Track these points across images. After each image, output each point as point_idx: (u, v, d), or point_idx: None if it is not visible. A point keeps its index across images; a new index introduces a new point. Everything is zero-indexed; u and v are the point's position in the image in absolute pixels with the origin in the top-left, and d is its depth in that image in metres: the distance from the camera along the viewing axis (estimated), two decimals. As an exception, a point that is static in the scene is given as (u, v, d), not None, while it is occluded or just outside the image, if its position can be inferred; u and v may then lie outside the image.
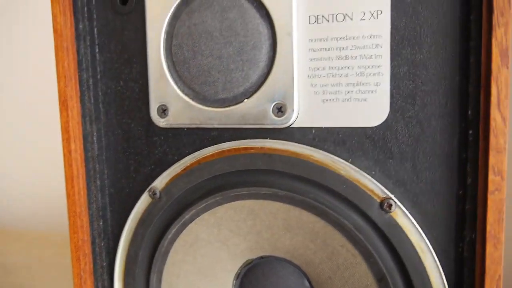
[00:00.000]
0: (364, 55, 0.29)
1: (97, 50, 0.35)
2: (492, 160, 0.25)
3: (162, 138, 0.34)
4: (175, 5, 0.32)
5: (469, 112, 0.27)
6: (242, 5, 0.31)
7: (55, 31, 0.33)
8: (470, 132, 0.27)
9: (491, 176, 0.25)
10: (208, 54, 0.32)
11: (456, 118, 0.28)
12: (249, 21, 0.30)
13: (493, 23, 0.25)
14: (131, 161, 0.35)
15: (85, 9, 0.34)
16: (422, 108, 0.28)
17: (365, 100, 0.29)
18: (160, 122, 0.33)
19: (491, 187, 0.25)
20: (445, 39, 0.27)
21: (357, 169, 0.30)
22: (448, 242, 0.29)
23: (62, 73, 0.33)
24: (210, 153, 0.33)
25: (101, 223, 0.35)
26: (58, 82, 0.33)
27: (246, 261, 0.35)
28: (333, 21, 0.30)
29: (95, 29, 0.35)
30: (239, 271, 0.35)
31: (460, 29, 0.27)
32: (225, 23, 0.31)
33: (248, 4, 0.30)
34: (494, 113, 0.25)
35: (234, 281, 0.35)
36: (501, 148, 0.25)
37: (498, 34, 0.25)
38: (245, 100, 0.31)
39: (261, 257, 0.34)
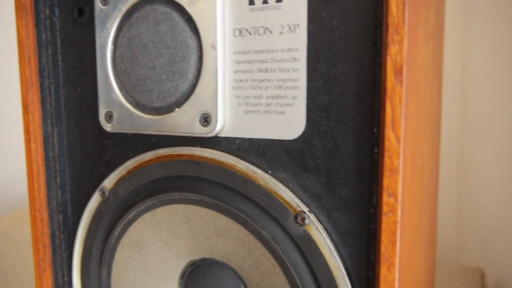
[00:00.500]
0: (283, 68, 0.29)
1: (60, 58, 0.38)
2: (386, 181, 0.25)
3: (111, 142, 0.36)
4: (119, 18, 0.34)
5: (375, 130, 0.26)
6: (173, 18, 0.32)
7: (18, 41, 0.36)
8: (376, 150, 0.26)
9: (385, 198, 0.25)
10: (143, 65, 0.33)
11: (367, 135, 0.27)
12: (178, 34, 0.32)
13: (388, 40, 0.24)
14: (87, 162, 0.38)
15: (48, 21, 0.37)
16: (336, 124, 0.28)
17: (283, 113, 0.30)
18: (107, 127, 0.35)
19: (385, 208, 0.25)
20: (358, 54, 0.27)
21: (275, 181, 0.30)
22: (358, 260, 0.28)
23: (24, 80, 0.36)
24: (149, 158, 0.34)
25: (61, 218, 0.38)
26: (21, 88, 0.36)
27: (190, 261, 0.36)
28: (255, 34, 0.30)
29: (58, 39, 0.38)
30: (184, 270, 0.37)
31: (371, 45, 0.26)
32: (158, 35, 0.32)
33: (179, 17, 0.32)
34: (389, 133, 0.24)
35: (180, 280, 0.37)
36: (395, 169, 0.24)
37: (392, 52, 0.24)
38: (176, 109, 0.32)
39: (203, 259, 0.36)
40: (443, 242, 0.80)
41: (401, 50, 0.23)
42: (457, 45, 0.67)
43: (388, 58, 0.24)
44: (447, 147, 0.72)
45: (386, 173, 0.24)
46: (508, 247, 0.61)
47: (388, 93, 0.24)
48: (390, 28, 0.24)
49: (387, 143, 0.24)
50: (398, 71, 0.24)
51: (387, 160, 0.25)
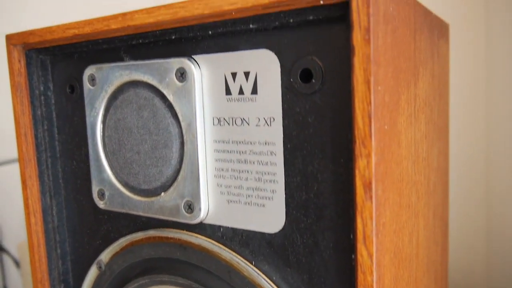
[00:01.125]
0: (261, 161, 0.28)
1: (56, 131, 0.38)
2: (360, 297, 0.23)
3: (106, 217, 0.37)
4: (106, 99, 0.34)
5: (351, 236, 0.25)
6: (155, 104, 0.31)
7: (15, 119, 0.37)
8: (353, 257, 0.25)
9: (359, 313, 0.24)
10: (129, 148, 0.33)
11: (345, 236, 0.26)
12: (160, 120, 0.31)
13: (355, 152, 0.23)
14: (84, 234, 0.38)
15: (42, 97, 0.38)
16: (315, 221, 0.27)
17: (263, 205, 0.29)
18: (100, 204, 0.36)
19: (361, 322, 0.24)
20: (334, 152, 0.26)
21: (259, 272, 0.29)
22: None
23: (21, 157, 0.37)
24: (139, 238, 0.35)
25: (62, 287, 0.39)
26: (19, 164, 0.37)
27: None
28: (233, 124, 0.29)
29: (54, 113, 0.38)
30: None
31: (346, 143, 0.25)
32: (141, 121, 0.32)
33: (160, 103, 0.31)
34: (360, 248, 0.23)
35: None
36: (368, 285, 0.23)
37: (360, 165, 0.23)
38: (162, 193, 0.32)
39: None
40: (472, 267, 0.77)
41: (369, 164, 0.22)
42: (481, 48, 0.64)
43: (357, 171, 0.23)
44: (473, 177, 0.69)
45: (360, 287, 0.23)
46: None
47: (359, 208, 0.23)
48: (357, 141, 0.22)
49: (359, 258, 0.23)
50: (367, 186, 0.22)
51: (360, 276, 0.23)
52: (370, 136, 0.22)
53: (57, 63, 0.37)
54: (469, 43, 0.66)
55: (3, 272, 1.19)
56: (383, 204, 0.24)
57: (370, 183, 0.22)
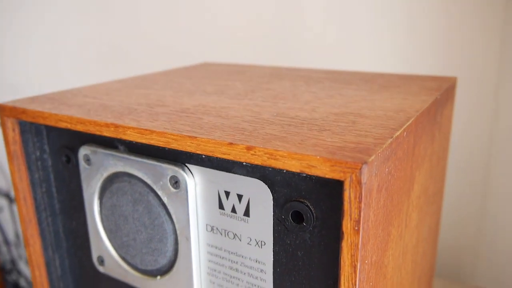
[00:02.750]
0: (251, 274, 0.30)
1: (54, 191, 0.39)
2: None
3: (105, 278, 0.39)
4: (101, 181, 0.34)
5: None
6: (149, 201, 0.32)
7: (13, 185, 0.37)
8: None
9: None
10: (126, 233, 0.34)
11: None
12: (154, 217, 0.32)
13: None
14: (87, 284, 0.41)
15: (39, 162, 0.38)
16: (301, 336, 0.29)
17: (253, 311, 0.31)
18: (100, 269, 0.38)
19: None
20: (321, 283, 0.27)
21: None
22: None
23: (22, 218, 0.38)
24: (138, 305, 0.37)
25: (68, 326, 0.43)
26: (21, 225, 0.39)
27: None
28: (225, 236, 0.30)
29: (51, 175, 0.39)
30: None
31: (332, 282, 0.26)
32: (136, 213, 0.33)
33: (155, 201, 0.32)
34: None
35: None
36: None
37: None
38: (158, 277, 0.34)
39: None
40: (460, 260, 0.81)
41: None
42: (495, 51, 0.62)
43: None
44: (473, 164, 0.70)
45: None
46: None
47: None
48: None
49: None
50: None
51: None
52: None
53: (52, 132, 0.37)
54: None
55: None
56: None
57: None
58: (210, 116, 0.30)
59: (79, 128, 0.31)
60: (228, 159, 0.27)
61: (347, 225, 0.22)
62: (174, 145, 0.27)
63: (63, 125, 0.32)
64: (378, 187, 0.23)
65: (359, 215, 0.21)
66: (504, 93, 0.63)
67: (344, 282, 0.23)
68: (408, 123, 0.27)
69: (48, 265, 0.40)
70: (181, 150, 0.29)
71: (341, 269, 0.23)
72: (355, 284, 0.23)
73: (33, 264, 0.40)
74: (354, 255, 0.22)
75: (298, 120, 0.29)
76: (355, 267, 0.22)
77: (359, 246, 0.22)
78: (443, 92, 0.37)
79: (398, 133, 0.25)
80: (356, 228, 0.21)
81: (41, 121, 0.33)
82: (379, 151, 0.22)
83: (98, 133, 0.30)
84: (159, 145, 0.27)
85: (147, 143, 0.28)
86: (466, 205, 0.74)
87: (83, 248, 0.39)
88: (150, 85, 0.43)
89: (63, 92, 0.40)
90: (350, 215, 0.22)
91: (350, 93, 0.37)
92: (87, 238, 0.38)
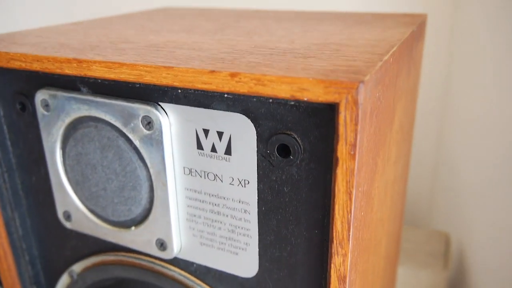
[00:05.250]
0: (234, 216, 0.28)
1: (9, 144, 0.36)
2: None
3: (73, 233, 0.36)
4: (63, 127, 0.31)
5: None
6: (119, 146, 0.30)
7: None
8: (323, 315, 0.27)
9: None
10: (94, 183, 0.32)
11: (316, 293, 0.28)
12: (126, 164, 0.30)
13: (332, 250, 0.23)
14: (52, 245, 0.38)
15: (-12, 112, 0.34)
16: (288, 276, 0.28)
17: (236, 254, 0.30)
18: (67, 224, 0.35)
19: None
20: (308, 222, 0.26)
21: (232, 307, 0.31)
22: None
23: (-26, 175, 0.35)
24: (111, 259, 0.35)
25: (35, 288, 0.40)
26: (-27, 182, 0.35)
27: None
28: (205, 178, 0.28)
29: (4, 126, 0.35)
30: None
31: (320, 217, 0.25)
32: (105, 160, 0.30)
33: (125, 145, 0.29)
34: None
35: None
36: None
37: (336, 262, 0.23)
38: (133, 227, 0.32)
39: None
40: (417, 204, 0.84)
41: (344, 262, 0.23)
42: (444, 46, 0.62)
43: (332, 266, 0.23)
44: (426, 109, 0.72)
45: None
46: (474, 211, 0.64)
47: (333, 297, 0.24)
48: (335, 241, 0.23)
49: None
50: (342, 279, 0.23)
51: None
52: (348, 240, 0.22)
53: (2, 76, 0.33)
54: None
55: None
56: (354, 283, 0.25)
57: (345, 276, 0.23)
58: (183, 49, 0.28)
59: (36, 67, 0.28)
60: (206, 93, 0.25)
61: (342, 150, 0.21)
62: (148, 78, 0.24)
63: (16, 64, 0.28)
64: (370, 112, 0.22)
65: (355, 139, 0.20)
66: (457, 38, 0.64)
67: (339, 211, 0.22)
68: (393, 49, 0.26)
69: (7, 225, 0.37)
70: (153, 87, 0.27)
71: (336, 198, 0.22)
72: (350, 212, 0.22)
73: (-10, 224, 0.37)
74: (349, 181, 0.21)
75: (279, 50, 0.27)
76: (350, 194, 0.21)
77: (355, 172, 0.21)
78: (417, 25, 0.36)
79: (386, 57, 0.24)
80: (352, 152, 0.20)
81: (-11, 62, 0.29)
82: (373, 72, 0.21)
83: (58, 71, 0.27)
84: (129, 80, 0.25)
85: (116, 78, 0.25)
86: (422, 154, 0.75)
87: (46, 204, 0.36)
88: (109, 26, 0.39)
89: (11, 33, 0.36)
90: (346, 139, 0.20)
91: (326, 28, 0.36)
92: (50, 193, 0.36)
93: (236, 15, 0.47)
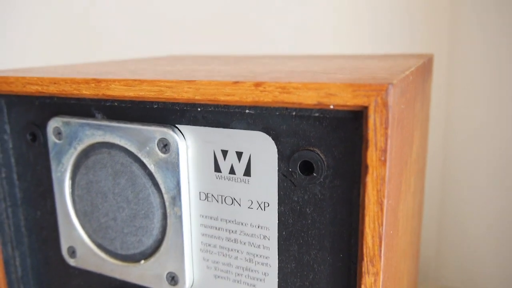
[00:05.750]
0: (253, 243, 0.27)
1: (15, 177, 0.35)
2: None
3: (77, 272, 0.34)
4: (75, 155, 0.31)
5: (349, 333, 0.25)
6: (133, 172, 0.29)
7: (-33, 169, 0.33)
8: None
9: None
10: (104, 213, 0.30)
11: (341, 328, 0.25)
12: (139, 190, 0.29)
13: (363, 269, 0.22)
14: (54, 283, 0.36)
15: (-2, 142, 0.34)
16: (309, 307, 0.26)
17: (254, 286, 0.28)
18: (71, 261, 0.33)
19: None
20: (333, 246, 0.25)
21: None
22: None
23: (-23, 209, 0.33)
24: (116, 299, 0.33)
25: (30, 336, 0.37)
26: (-25, 217, 0.34)
27: None
28: (222, 203, 0.27)
29: (12, 158, 0.34)
30: None
31: (347, 238, 0.24)
32: (117, 187, 0.29)
33: (139, 171, 0.29)
34: None
35: None
36: None
37: (367, 282, 0.22)
38: (142, 261, 0.30)
39: None
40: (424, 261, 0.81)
41: (376, 282, 0.21)
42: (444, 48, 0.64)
43: (362, 287, 0.22)
44: (432, 160, 0.71)
45: None
46: (486, 268, 0.61)
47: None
48: (365, 258, 0.21)
49: None
50: None
51: None
52: (380, 256, 0.21)
53: (14, 105, 0.33)
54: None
55: None
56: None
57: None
58: (202, 72, 0.28)
59: (52, 89, 0.27)
60: (227, 109, 0.25)
61: (372, 156, 0.20)
62: (168, 94, 0.24)
63: (32, 89, 0.28)
64: (398, 120, 0.22)
65: (385, 143, 0.20)
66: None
67: (369, 224, 0.21)
68: (412, 69, 0.26)
69: (6, 264, 0.35)
70: (170, 108, 0.27)
71: (366, 209, 0.21)
72: (382, 225, 0.21)
73: (-11, 263, 0.35)
74: (380, 190, 0.20)
75: (300, 70, 0.27)
76: (381, 204, 0.20)
77: (386, 180, 0.20)
78: (426, 61, 0.37)
79: (407, 72, 0.24)
80: (383, 158, 0.20)
81: (5, 88, 0.29)
82: (399, 78, 0.21)
83: (75, 92, 0.27)
84: (149, 97, 0.25)
85: (136, 96, 0.25)
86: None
87: (49, 241, 0.35)
88: (122, 64, 0.40)
89: (23, 69, 0.36)
90: (376, 145, 0.20)
91: (339, 61, 0.36)
92: (55, 229, 0.34)
93: (243, 57, 0.48)
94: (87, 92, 0.26)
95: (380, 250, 0.21)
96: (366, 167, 0.20)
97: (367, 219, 0.21)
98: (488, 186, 0.58)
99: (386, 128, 0.19)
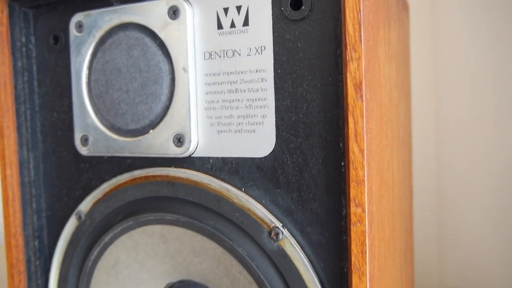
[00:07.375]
0: (252, 88, 0.30)
1: (36, 84, 0.38)
2: (352, 192, 0.25)
3: (87, 165, 0.37)
4: (93, 44, 0.35)
5: (341, 145, 0.27)
6: (146, 43, 0.33)
7: (-6, 69, 0.37)
8: (342, 164, 0.27)
9: (352, 208, 0.26)
10: (117, 88, 0.34)
11: (334, 150, 0.28)
12: (151, 58, 0.33)
13: (347, 58, 0.25)
14: (63, 186, 0.38)
15: (24, 48, 0.38)
16: (304, 140, 0.29)
17: (254, 131, 0.31)
18: (83, 150, 0.36)
19: (353, 219, 0.26)
20: (322, 73, 0.28)
21: (248, 197, 0.31)
22: (332, 273, 0.29)
23: (0, 106, 0.37)
24: (124, 180, 0.35)
25: (36, 243, 0.38)
26: (-3, 114, 0.37)
27: (168, 284, 0.36)
28: (224, 57, 0.31)
29: (34, 66, 0.38)
30: (162, 293, 0.37)
31: (333, 63, 0.28)
32: (131, 60, 0.33)
33: (151, 42, 0.33)
34: (352, 145, 0.25)
35: (158, 303, 0.37)
36: (360, 180, 0.25)
37: (351, 69, 0.25)
38: (151, 131, 0.33)
39: (181, 281, 0.36)
40: (424, 263, 0.81)
41: (359, 66, 0.25)
42: (428, 46, 0.69)
43: (348, 75, 0.25)
44: (424, 167, 0.74)
45: (352, 184, 0.25)
46: (488, 268, 0.61)
47: (350, 108, 0.25)
48: (348, 47, 0.25)
49: (351, 155, 0.25)
50: (358, 86, 0.25)
51: (352, 172, 0.25)
52: (360, 41, 0.25)
53: (41, 15, 0.38)
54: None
55: None
56: (370, 109, 0.26)
57: (361, 83, 0.25)
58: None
59: (80, -30, 0.32)
60: (228, -32, 0.30)
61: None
62: None
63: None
64: None
65: None
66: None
67: (349, 14, 0.25)
68: None
69: (21, 165, 0.38)
70: (181, -20, 0.31)
71: (345, 1, 0.25)
72: (360, 11, 0.25)
73: (5, 160, 0.37)
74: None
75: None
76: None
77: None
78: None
79: None
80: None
81: (38, -19, 0.34)
82: None
83: (100, -34, 0.32)
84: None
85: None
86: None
87: (63, 140, 0.37)
88: None
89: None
90: None
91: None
92: (70, 127, 0.37)
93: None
94: (110, -36, 0.31)
95: (360, 35, 0.25)
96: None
97: (347, 9, 0.25)
98: (484, 183, 0.61)
99: None
